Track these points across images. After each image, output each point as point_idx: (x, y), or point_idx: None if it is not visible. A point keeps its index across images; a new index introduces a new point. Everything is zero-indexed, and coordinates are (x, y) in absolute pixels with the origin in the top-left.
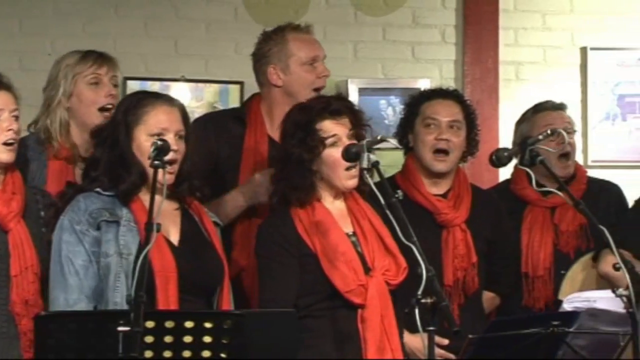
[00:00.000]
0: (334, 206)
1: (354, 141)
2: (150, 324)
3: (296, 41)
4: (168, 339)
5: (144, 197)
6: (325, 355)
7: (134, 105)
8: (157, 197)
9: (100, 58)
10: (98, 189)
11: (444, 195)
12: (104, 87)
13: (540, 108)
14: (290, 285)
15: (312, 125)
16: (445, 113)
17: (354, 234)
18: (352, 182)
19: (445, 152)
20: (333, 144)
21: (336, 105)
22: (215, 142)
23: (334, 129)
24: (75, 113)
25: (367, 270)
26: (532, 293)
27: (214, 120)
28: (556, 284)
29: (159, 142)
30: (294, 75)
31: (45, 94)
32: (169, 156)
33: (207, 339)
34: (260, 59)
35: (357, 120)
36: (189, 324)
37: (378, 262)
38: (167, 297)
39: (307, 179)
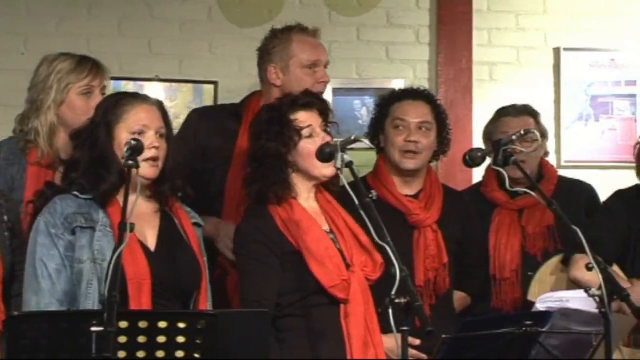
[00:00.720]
0: (308, 204)
1: (326, 133)
2: (123, 324)
3: (300, 43)
4: (141, 339)
5: (122, 199)
6: (308, 353)
7: (113, 105)
8: (132, 198)
9: (94, 68)
10: (76, 192)
11: (415, 196)
12: (95, 98)
13: (503, 113)
14: (273, 283)
15: (286, 117)
16: (414, 114)
17: (331, 231)
18: (329, 170)
19: (413, 152)
20: (309, 135)
21: (305, 98)
22: (206, 134)
23: (309, 119)
24: (65, 120)
25: (347, 266)
26: (499, 295)
27: (209, 113)
28: (524, 286)
29: (133, 142)
30: (292, 76)
31: (32, 94)
32: (151, 153)
33: (181, 339)
34: (263, 56)
35: (325, 112)
36: (162, 324)
37: (356, 258)
38: (140, 304)
39: (283, 172)
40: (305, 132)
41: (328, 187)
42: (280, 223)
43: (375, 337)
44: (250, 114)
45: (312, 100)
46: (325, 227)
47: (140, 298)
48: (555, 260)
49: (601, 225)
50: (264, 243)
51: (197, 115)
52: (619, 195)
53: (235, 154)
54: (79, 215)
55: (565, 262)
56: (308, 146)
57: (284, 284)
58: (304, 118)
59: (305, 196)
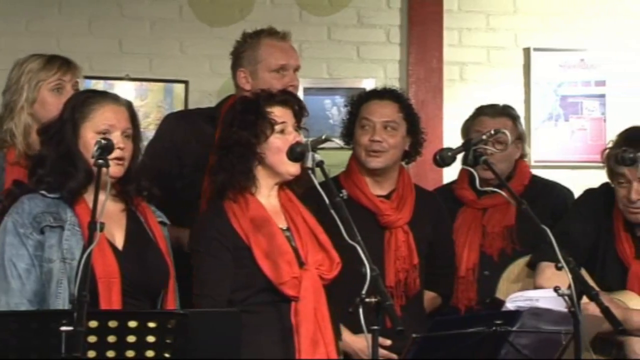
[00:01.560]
0: (268, 201)
1: (298, 134)
2: (93, 324)
3: (268, 47)
4: (111, 338)
5: (89, 198)
6: (259, 349)
7: (81, 103)
8: (102, 197)
9: (64, 64)
10: (43, 192)
11: (388, 196)
12: (67, 94)
13: (482, 112)
14: (225, 279)
15: (262, 109)
16: (380, 114)
17: (288, 229)
18: (295, 169)
19: (378, 151)
20: (281, 131)
21: (283, 95)
22: (183, 137)
23: (284, 116)
24: (39, 118)
25: (301, 264)
26: (456, 293)
27: (186, 117)
28: (479, 285)
29: (103, 141)
30: (260, 81)
31: (6, 97)
32: (115, 154)
33: (151, 339)
34: (234, 61)
35: (300, 113)
36: (132, 324)
37: (311, 257)
38: (110, 303)
39: (250, 163)
40: (278, 127)
41: (292, 186)
42: (233, 219)
43: (326, 336)
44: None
45: (289, 98)
46: (283, 225)
47: (111, 297)
48: (522, 261)
49: (569, 228)
50: (216, 239)
51: (173, 119)
52: (588, 195)
53: (211, 160)
54: (48, 215)
55: (532, 267)
56: (278, 142)
57: (235, 280)
58: (280, 114)
59: (267, 193)
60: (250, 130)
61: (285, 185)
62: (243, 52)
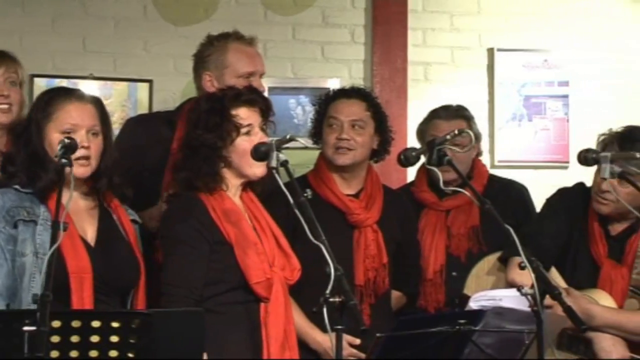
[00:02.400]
0: (235, 200)
1: (264, 133)
2: (56, 324)
3: (235, 52)
4: (75, 338)
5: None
6: (226, 348)
7: (45, 102)
8: (68, 196)
9: None
10: (17, 186)
11: (356, 195)
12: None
13: (435, 115)
14: (201, 271)
15: (228, 111)
16: (347, 112)
17: (254, 229)
18: (261, 170)
19: (346, 148)
20: (247, 133)
21: (249, 95)
22: (145, 142)
23: (250, 117)
24: None
25: (270, 266)
26: (423, 295)
27: (145, 121)
28: (447, 287)
29: (66, 140)
30: (227, 85)
31: None
32: (80, 153)
33: (115, 339)
34: (198, 63)
35: (267, 112)
36: (95, 324)
37: (277, 259)
38: (82, 298)
39: (215, 165)
40: (244, 129)
41: (253, 187)
42: (212, 211)
43: (291, 339)
44: (184, 122)
45: (256, 97)
46: (249, 225)
47: (82, 292)
48: (492, 257)
49: (542, 226)
50: (195, 228)
51: (133, 123)
52: (562, 194)
53: (170, 161)
54: (22, 209)
55: (503, 261)
56: (245, 144)
57: (209, 274)
58: (246, 115)
59: (233, 192)
60: (216, 133)
61: (248, 185)
62: (209, 55)
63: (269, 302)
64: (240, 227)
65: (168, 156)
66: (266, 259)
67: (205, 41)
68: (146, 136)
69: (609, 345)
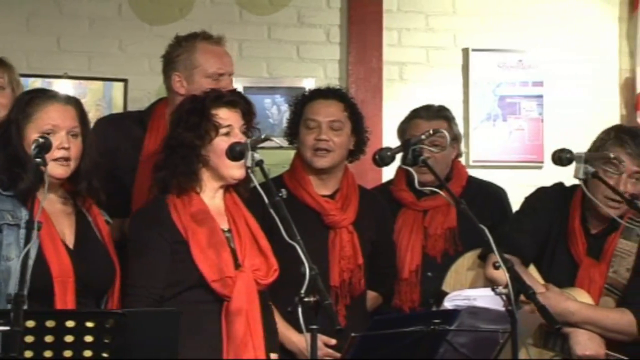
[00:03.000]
0: (213, 202)
1: (244, 136)
2: (30, 324)
3: (204, 52)
4: (49, 338)
5: (42, 197)
6: (186, 348)
7: (25, 103)
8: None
9: None
10: None
11: (332, 196)
12: None
13: (416, 115)
14: (161, 271)
15: (208, 111)
16: (325, 113)
17: (229, 230)
18: (239, 173)
19: (325, 150)
20: (226, 134)
21: (231, 96)
22: (114, 141)
23: (230, 118)
24: None
25: (237, 266)
26: (399, 295)
27: (116, 120)
28: (423, 287)
29: (40, 140)
30: (196, 85)
31: None
32: (60, 154)
33: (89, 339)
34: (168, 64)
35: (249, 115)
36: (70, 324)
37: (249, 260)
38: (65, 302)
39: (193, 164)
40: (223, 129)
41: (239, 190)
42: (174, 212)
43: (256, 339)
44: (155, 121)
45: (237, 100)
46: (225, 226)
47: (66, 296)
48: (472, 254)
49: (521, 224)
50: (155, 230)
51: (104, 123)
52: (541, 193)
53: (141, 161)
54: (6, 213)
55: (483, 258)
56: (223, 144)
57: (169, 275)
58: (226, 116)
59: (211, 194)
60: (195, 132)
61: (232, 188)
62: (177, 56)
63: (231, 300)
64: (202, 227)
65: (139, 156)
66: (230, 258)
67: (174, 42)
68: (118, 136)
69: (584, 340)
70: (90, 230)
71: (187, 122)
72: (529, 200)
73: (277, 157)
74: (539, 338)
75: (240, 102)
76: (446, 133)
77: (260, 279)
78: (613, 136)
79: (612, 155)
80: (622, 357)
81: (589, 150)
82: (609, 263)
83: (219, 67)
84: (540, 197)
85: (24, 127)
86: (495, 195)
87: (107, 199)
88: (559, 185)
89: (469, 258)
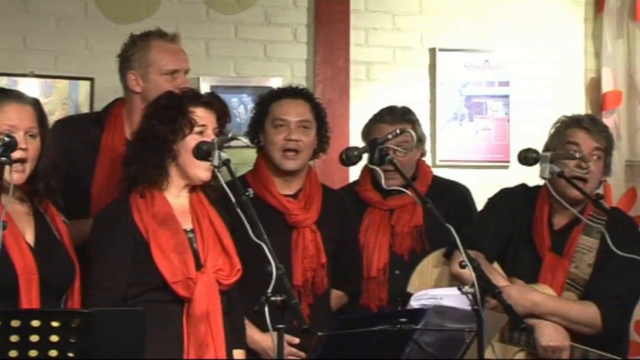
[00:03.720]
0: (177, 201)
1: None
2: None
3: (158, 50)
4: (14, 338)
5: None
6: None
7: None
8: (6, 197)
9: None
10: None
11: (295, 196)
12: None
13: (380, 119)
14: (123, 272)
15: (185, 108)
16: (295, 113)
17: (192, 230)
18: (206, 175)
19: (295, 151)
20: (199, 132)
21: (209, 97)
22: (70, 142)
23: (206, 118)
24: None
25: (199, 267)
26: (366, 293)
27: (72, 122)
28: (390, 285)
29: (6, 139)
30: (152, 83)
31: None
32: (17, 154)
33: (54, 338)
34: (123, 63)
35: (224, 119)
36: (35, 323)
37: (211, 261)
38: (30, 299)
39: (163, 158)
40: (197, 128)
41: (205, 190)
42: (136, 213)
43: (217, 340)
44: (112, 121)
45: (214, 101)
46: (188, 226)
47: (31, 293)
48: (437, 254)
49: (486, 222)
50: (117, 231)
51: (61, 125)
52: (505, 193)
53: (99, 161)
54: None
55: (448, 256)
56: (194, 142)
57: (130, 275)
58: (202, 115)
59: (176, 193)
60: (169, 126)
61: (199, 187)
62: (132, 54)
63: (192, 302)
64: (164, 227)
65: (96, 157)
66: (191, 259)
67: (129, 41)
68: (73, 138)
69: (549, 332)
70: (49, 230)
71: (163, 115)
72: (492, 200)
73: (242, 156)
74: (503, 333)
75: (217, 105)
76: (412, 132)
77: (222, 279)
78: (568, 121)
79: (577, 156)
80: (587, 348)
81: (547, 143)
82: (571, 258)
83: (174, 64)
84: (504, 197)
85: None
86: (460, 194)
87: (65, 201)
88: (522, 186)
89: (433, 258)
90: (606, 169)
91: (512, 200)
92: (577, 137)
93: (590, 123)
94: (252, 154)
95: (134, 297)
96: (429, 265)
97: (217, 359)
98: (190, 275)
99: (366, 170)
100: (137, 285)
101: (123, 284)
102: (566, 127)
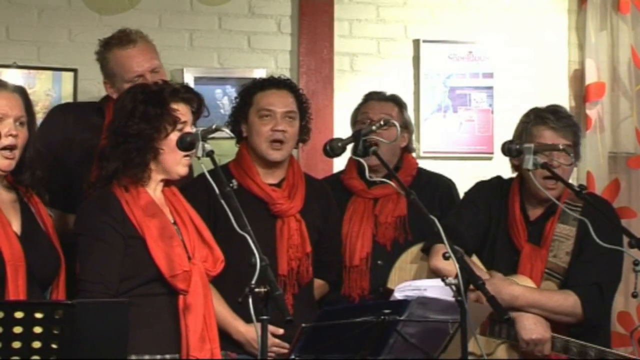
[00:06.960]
0: (155, 195)
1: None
2: None
3: (117, 61)
4: None
5: None
6: (143, 342)
7: None
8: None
9: None
10: None
11: (278, 185)
12: None
13: (369, 97)
14: (116, 266)
15: (168, 105)
16: (281, 104)
17: (175, 223)
18: (184, 170)
19: (280, 141)
20: (180, 130)
21: (186, 93)
22: (72, 127)
23: (186, 114)
24: None
25: (189, 258)
26: (348, 282)
27: (74, 108)
28: (372, 275)
29: None
30: (122, 90)
31: None
32: (7, 141)
33: (38, 330)
34: (100, 68)
35: (199, 111)
36: (18, 315)
37: (198, 251)
38: (17, 287)
39: (147, 156)
40: (179, 125)
41: (173, 182)
42: (126, 206)
43: (211, 332)
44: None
45: (192, 96)
46: (170, 219)
47: (18, 281)
48: (415, 249)
49: (462, 216)
50: (109, 224)
51: (60, 110)
52: (480, 186)
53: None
54: None
55: (426, 251)
56: (175, 139)
57: (123, 269)
58: (184, 111)
59: (154, 187)
60: (153, 125)
61: (167, 181)
62: (101, 64)
63: (188, 294)
64: (157, 220)
65: (97, 144)
66: (184, 251)
67: (97, 49)
68: (76, 123)
69: (530, 325)
70: (34, 220)
71: (145, 113)
72: (469, 194)
73: (226, 147)
74: (484, 326)
75: (194, 99)
76: (396, 123)
77: (209, 270)
78: (533, 117)
79: (560, 147)
80: (568, 338)
81: (513, 138)
82: (549, 248)
83: (135, 71)
84: (479, 190)
85: None
86: (444, 186)
87: (59, 191)
88: (497, 178)
89: (411, 253)
90: (576, 156)
91: (487, 193)
92: (543, 138)
93: (555, 120)
94: (230, 145)
95: (127, 291)
96: (407, 260)
97: (214, 347)
98: (186, 267)
99: (352, 160)
100: (129, 278)
101: (116, 277)
102: (532, 125)
